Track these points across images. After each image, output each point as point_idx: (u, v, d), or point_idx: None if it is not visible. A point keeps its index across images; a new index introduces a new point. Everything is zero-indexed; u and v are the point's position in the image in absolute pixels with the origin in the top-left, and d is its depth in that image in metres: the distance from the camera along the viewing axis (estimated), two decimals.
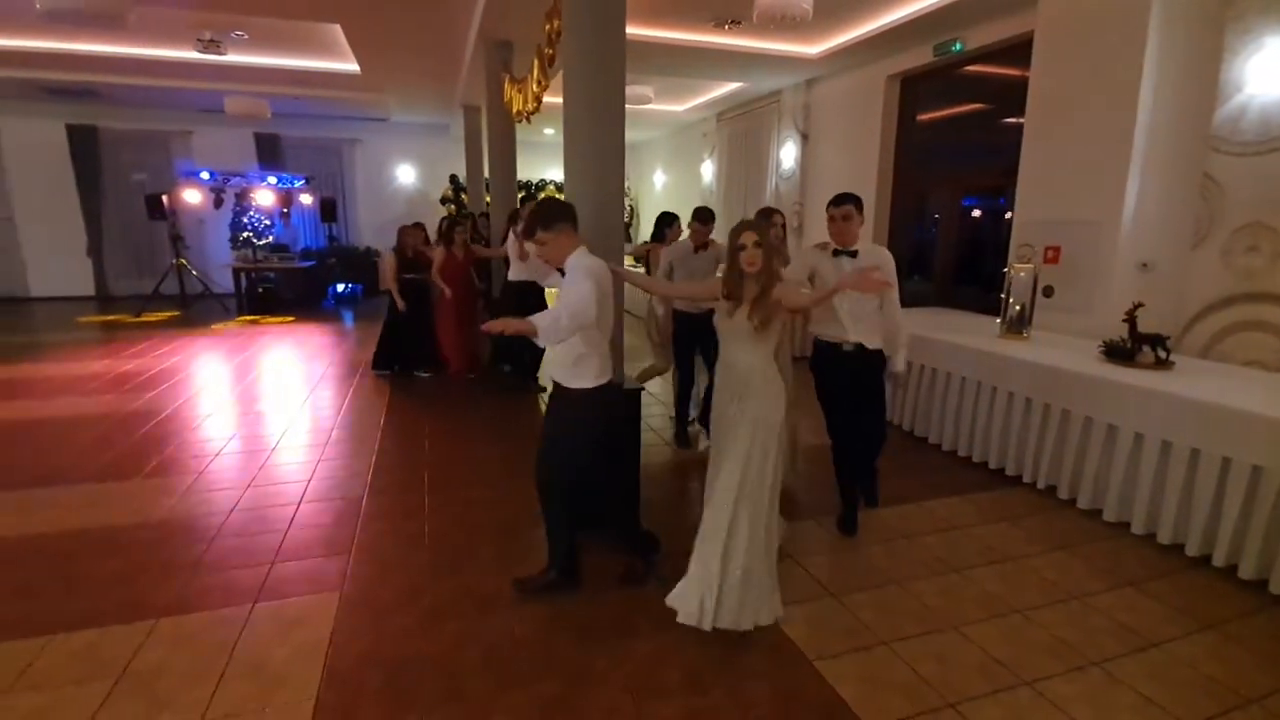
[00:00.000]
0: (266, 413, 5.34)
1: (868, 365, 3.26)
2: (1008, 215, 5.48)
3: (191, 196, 11.29)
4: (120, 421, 4.95)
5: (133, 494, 3.71)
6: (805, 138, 8.46)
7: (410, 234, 6.42)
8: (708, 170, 11.14)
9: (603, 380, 2.66)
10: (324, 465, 4.21)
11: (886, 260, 3.21)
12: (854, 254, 3.16)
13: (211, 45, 7.38)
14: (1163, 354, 3.69)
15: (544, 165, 13.87)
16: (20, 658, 2.32)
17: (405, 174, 13.26)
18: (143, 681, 2.22)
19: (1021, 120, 5.13)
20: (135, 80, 9.06)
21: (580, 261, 2.57)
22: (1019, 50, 5.38)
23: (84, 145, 11.27)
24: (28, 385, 6.01)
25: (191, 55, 7.83)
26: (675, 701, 2.19)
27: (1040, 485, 3.93)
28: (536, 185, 13.70)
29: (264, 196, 11.45)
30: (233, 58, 7.98)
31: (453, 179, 12.78)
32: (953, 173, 6.69)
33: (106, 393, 5.76)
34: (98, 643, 2.40)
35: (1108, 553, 3.25)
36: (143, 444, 4.51)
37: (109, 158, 11.54)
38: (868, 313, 3.21)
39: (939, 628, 2.62)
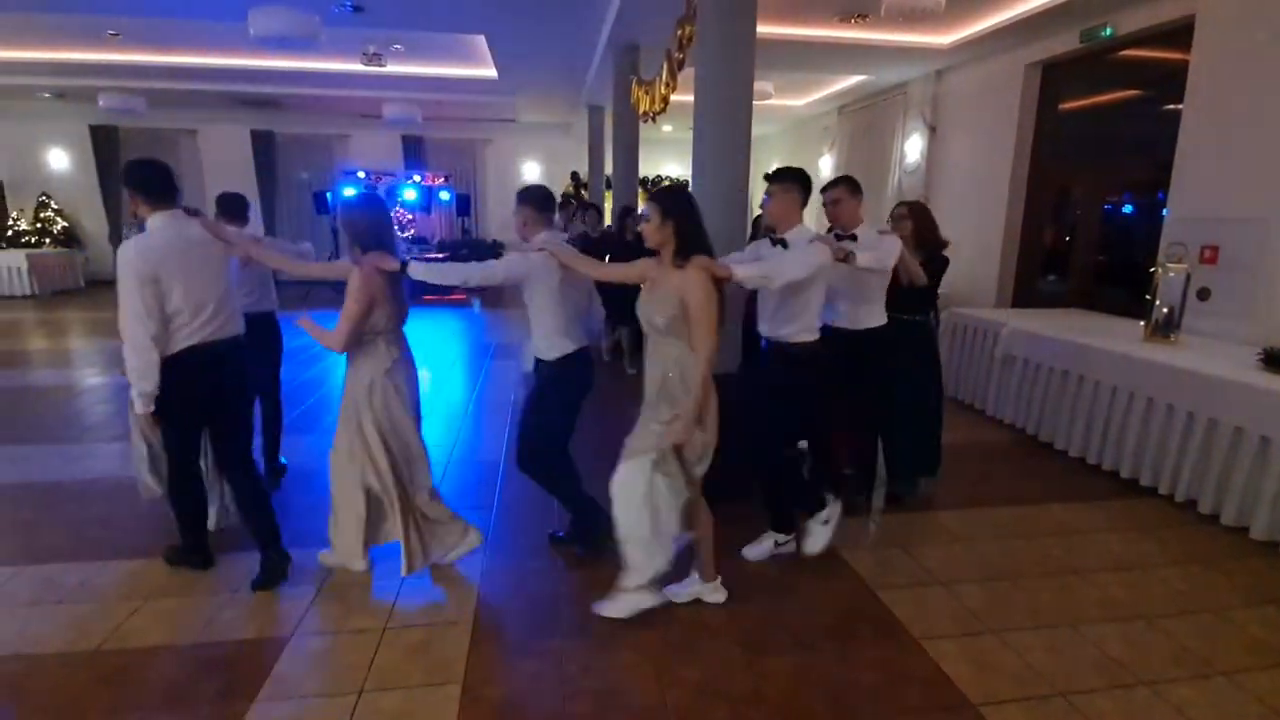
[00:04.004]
0: None
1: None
2: (1163, 212, 5.11)
3: (349, 193, 12.67)
4: (299, 388, 5.76)
5: (314, 447, 4.38)
6: (933, 130, 8.19)
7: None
8: (826, 164, 11.00)
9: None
10: (463, 434, 4.73)
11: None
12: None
13: (374, 58, 8.28)
14: None
15: (661, 160, 14.22)
16: (248, 565, 2.88)
17: (530, 170, 14.07)
18: (339, 591, 2.73)
19: (1177, 108, 4.78)
20: (310, 91, 10.32)
21: None
22: (1177, 35, 4.99)
23: (264, 149, 12.95)
24: None
25: (357, 67, 8.83)
26: (785, 658, 2.39)
27: (1179, 497, 3.71)
28: (653, 180, 14.07)
29: (409, 193, 12.62)
30: (390, 68, 8.91)
31: (574, 175, 13.42)
32: (1096, 166, 6.28)
33: (285, 363, 6.67)
34: (301, 561, 2.92)
35: (1252, 570, 3.06)
36: (318, 406, 5.26)
37: (283, 159, 13.20)
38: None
39: (1052, 623, 2.63)
